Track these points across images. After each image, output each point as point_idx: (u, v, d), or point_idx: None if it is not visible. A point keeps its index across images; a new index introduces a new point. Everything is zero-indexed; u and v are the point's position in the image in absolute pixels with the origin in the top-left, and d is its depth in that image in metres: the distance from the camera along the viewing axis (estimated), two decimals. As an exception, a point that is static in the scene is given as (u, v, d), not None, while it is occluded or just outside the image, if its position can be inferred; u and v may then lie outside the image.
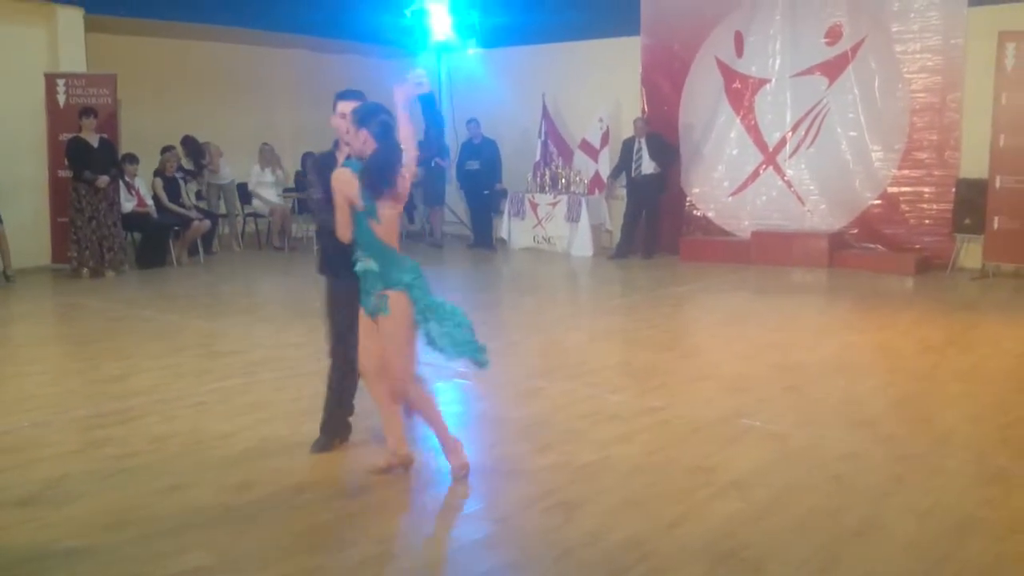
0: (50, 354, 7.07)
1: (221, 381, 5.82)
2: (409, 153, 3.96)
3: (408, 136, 3.96)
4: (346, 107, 4.16)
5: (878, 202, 11.03)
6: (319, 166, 4.29)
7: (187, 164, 11.96)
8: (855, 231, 11.22)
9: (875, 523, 3.62)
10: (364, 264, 3.95)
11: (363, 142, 3.89)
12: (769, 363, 6.29)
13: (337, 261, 4.22)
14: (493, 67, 14.11)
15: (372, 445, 4.47)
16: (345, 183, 3.89)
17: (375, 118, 3.89)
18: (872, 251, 11.03)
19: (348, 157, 4.09)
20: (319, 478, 4.16)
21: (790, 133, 11.50)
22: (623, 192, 12.45)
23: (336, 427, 4.54)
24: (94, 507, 3.84)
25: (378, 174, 3.86)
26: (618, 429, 4.86)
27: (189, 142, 12.11)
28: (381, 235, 3.90)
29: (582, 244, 12.33)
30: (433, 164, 12.95)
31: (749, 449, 4.50)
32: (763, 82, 11.65)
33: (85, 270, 10.21)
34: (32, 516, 3.75)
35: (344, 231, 3.94)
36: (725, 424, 4.90)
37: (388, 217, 3.92)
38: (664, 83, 12.40)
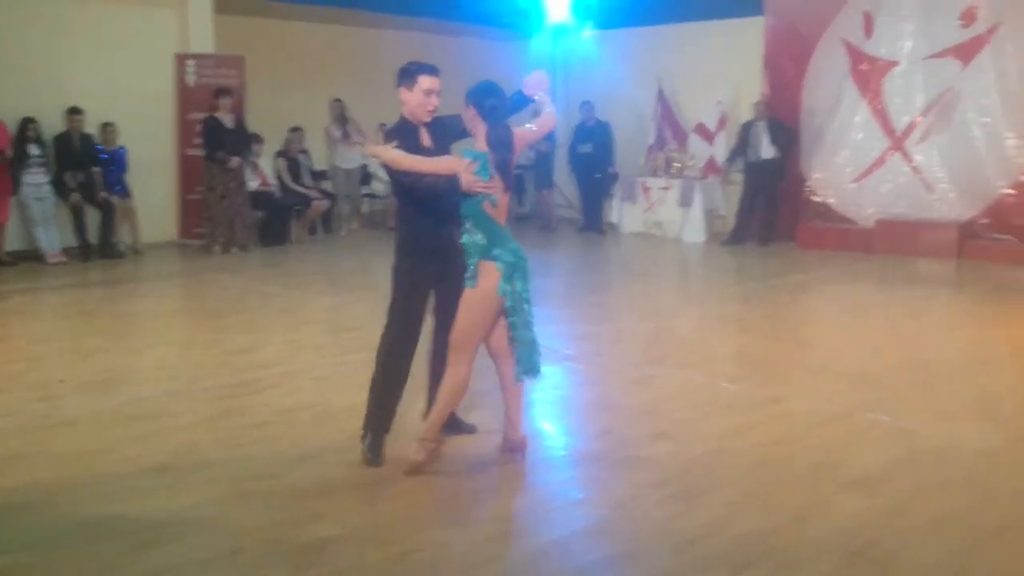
0: (180, 326, 7.37)
1: (344, 356, 5.97)
2: (544, 125, 4.08)
3: (549, 115, 4.10)
4: (434, 83, 4.06)
5: (1011, 191, 10.48)
6: (401, 133, 4.05)
7: (334, 127, 12.26)
8: (986, 221, 10.70)
9: (1012, 525, 3.48)
10: (471, 236, 3.91)
11: (471, 119, 3.90)
12: (895, 356, 6.09)
13: (408, 242, 4.13)
14: (608, 49, 13.99)
15: (491, 428, 4.50)
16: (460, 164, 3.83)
17: (487, 99, 3.87)
18: (1004, 242, 10.50)
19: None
20: (440, 456, 4.21)
21: (920, 118, 11.04)
22: (739, 177, 12.20)
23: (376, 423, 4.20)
24: (226, 474, 3.99)
25: (502, 153, 3.84)
26: (735, 419, 4.77)
27: (339, 106, 12.31)
28: (492, 213, 3.89)
29: (694, 230, 12.15)
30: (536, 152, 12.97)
31: (876, 445, 4.36)
32: (892, 64, 11.19)
33: (217, 247, 10.59)
34: (169, 481, 3.92)
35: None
36: (850, 418, 4.76)
37: (502, 200, 3.91)
38: (787, 65, 12.06)
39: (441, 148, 4.09)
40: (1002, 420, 4.75)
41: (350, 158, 12.37)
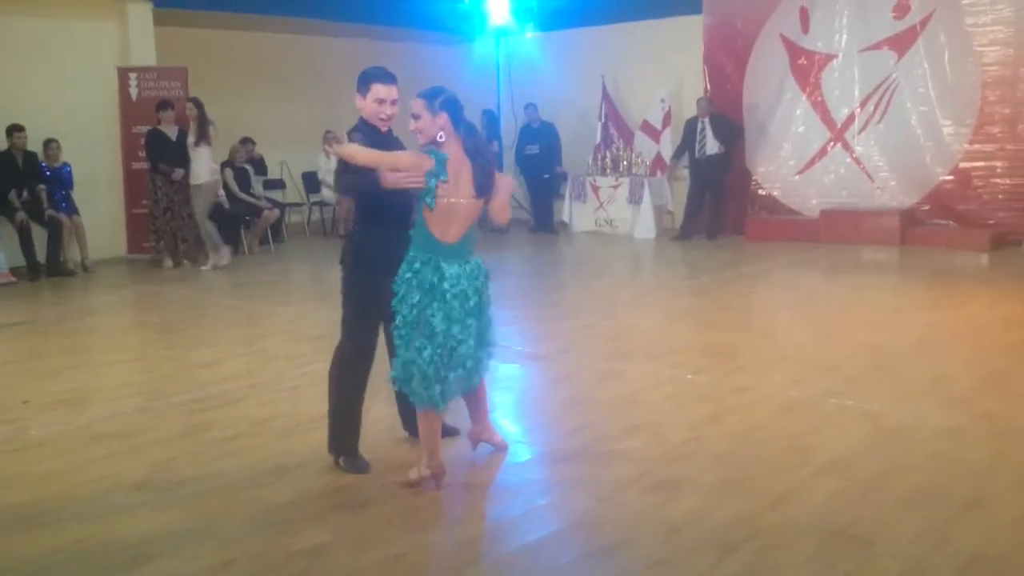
0: (140, 342, 7.27)
1: (311, 365, 5.93)
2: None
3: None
4: (389, 92, 3.93)
5: (950, 178, 10.84)
6: (370, 140, 3.81)
7: (193, 128, 10.19)
8: (926, 207, 11.05)
9: (982, 498, 3.61)
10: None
11: (442, 126, 3.68)
12: (851, 342, 6.26)
13: (357, 253, 3.99)
14: (551, 50, 14.10)
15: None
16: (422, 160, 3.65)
17: (459, 105, 3.73)
18: (944, 228, 10.86)
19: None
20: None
21: (858, 109, 11.35)
22: (686, 173, 12.39)
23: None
24: (206, 488, 3.96)
25: (481, 160, 3.77)
26: (706, 409, 4.88)
27: (195, 105, 10.32)
28: (430, 219, 3.69)
29: (645, 226, 12.30)
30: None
31: (844, 428, 4.49)
32: (830, 58, 11.50)
33: (168, 261, 10.43)
34: (148, 498, 3.87)
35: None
36: (815, 403, 4.90)
37: (445, 207, 3.68)
38: (727, 62, 12.30)
39: None
40: (960, 399, 4.91)
41: (202, 172, 10.28)
